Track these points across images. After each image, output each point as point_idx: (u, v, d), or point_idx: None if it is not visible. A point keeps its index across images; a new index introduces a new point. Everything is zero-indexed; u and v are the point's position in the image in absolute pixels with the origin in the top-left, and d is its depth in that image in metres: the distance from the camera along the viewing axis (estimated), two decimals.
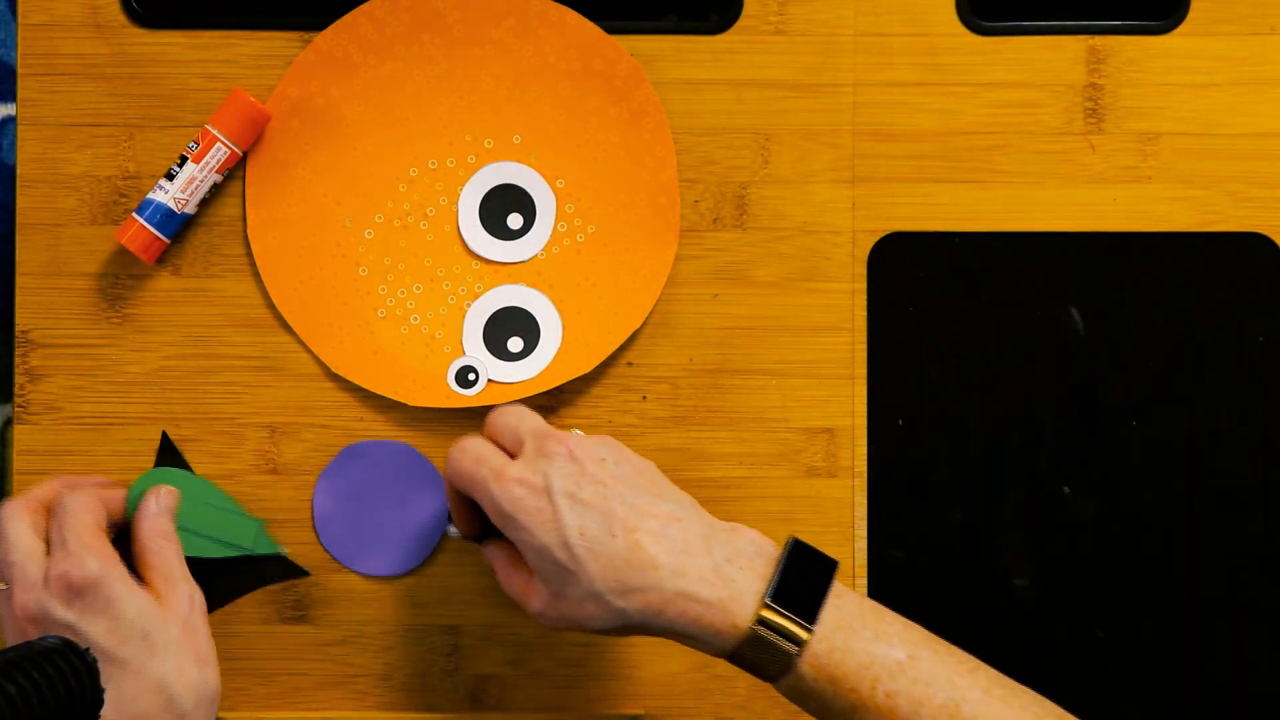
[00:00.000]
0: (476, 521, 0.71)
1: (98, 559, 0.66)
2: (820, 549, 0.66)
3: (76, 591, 0.65)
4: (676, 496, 0.67)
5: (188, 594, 0.68)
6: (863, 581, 0.76)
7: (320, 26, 0.77)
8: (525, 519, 0.64)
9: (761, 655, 0.63)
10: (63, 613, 0.65)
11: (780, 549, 0.65)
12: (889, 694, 0.62)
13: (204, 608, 0.69)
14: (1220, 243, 0.77)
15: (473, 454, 0.67)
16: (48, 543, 0.68)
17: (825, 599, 0.63)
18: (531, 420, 0.68)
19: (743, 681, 0.76)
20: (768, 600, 0.63)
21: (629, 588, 0.63)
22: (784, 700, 0.77)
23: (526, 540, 0.65)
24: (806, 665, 0.63)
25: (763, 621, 0.63)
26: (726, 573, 0.63)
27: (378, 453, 0.77)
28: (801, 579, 0.64)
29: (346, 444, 0.77)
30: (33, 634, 0.65)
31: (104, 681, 0.63)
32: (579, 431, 0.72)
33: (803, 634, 0.63)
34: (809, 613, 0.63)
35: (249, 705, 0.77)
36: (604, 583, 0.63)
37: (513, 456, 0.67)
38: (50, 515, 0.69)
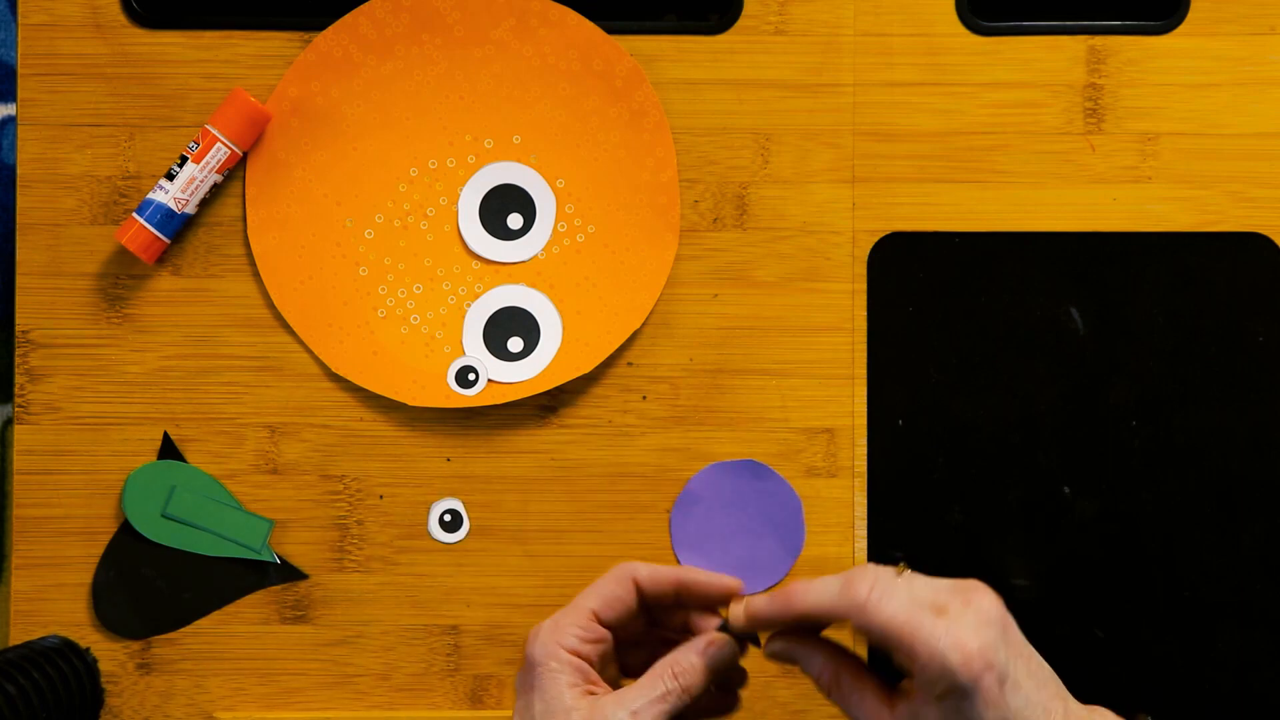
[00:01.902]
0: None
1: (541, 649, 0.63)
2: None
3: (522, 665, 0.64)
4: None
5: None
6: None
7: (320, 26, 0.77)
8: (977, 690, 0.60)
9: None
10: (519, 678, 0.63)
11: None
12: None
13: None
14: (1220, 243, 0.77)
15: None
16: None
17: None
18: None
19: None
20: None
21: None
22: (785, 701, 0.77)
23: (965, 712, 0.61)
24: None
25: None
26: None
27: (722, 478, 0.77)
28: None
29: (348, 444, 0.77)
30: None
31: None
32: None
33: None
34: None
35: (249, 705, 0.77)
36: None
37: None
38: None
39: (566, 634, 0.63)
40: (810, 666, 0.64)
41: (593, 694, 0.62)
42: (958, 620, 0.60)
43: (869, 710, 0.63)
